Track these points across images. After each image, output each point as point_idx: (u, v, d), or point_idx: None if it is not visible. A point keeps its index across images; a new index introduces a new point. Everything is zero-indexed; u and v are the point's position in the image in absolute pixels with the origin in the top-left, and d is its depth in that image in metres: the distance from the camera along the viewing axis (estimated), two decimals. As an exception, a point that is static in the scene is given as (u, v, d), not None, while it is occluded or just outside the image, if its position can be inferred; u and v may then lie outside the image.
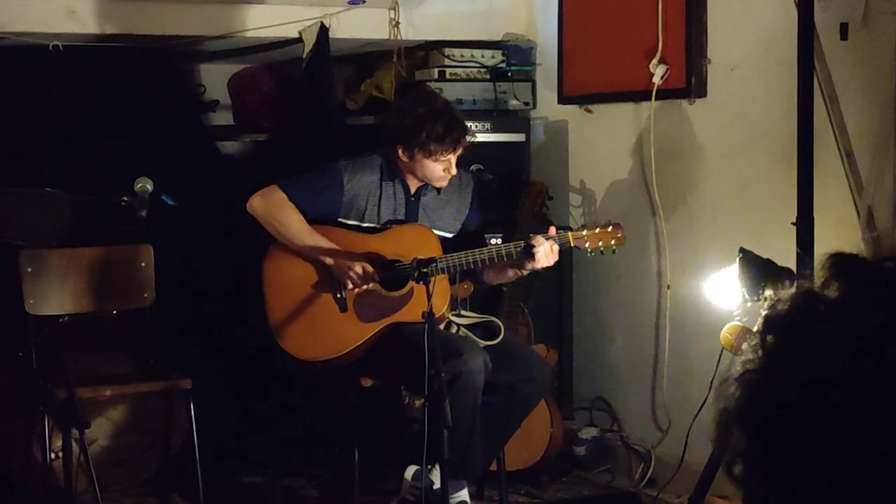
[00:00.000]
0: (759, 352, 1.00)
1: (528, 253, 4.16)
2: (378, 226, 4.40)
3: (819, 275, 0.99)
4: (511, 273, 4.35)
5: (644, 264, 5.07)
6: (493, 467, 4.53)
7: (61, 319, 4.76)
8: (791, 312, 0.99)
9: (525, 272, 4.29)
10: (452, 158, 4.33)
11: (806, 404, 0.96)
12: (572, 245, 4.29)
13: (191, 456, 4.50)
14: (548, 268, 4.26)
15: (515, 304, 4.98)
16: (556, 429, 5.00)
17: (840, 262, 0.99)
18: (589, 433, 5.24)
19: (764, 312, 1.00)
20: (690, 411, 4.53)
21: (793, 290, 0.99)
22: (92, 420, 4.50)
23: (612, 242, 4.31)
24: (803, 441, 0.96)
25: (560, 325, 5.37)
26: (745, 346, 1.02)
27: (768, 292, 3.59)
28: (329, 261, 4.29)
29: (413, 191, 4.43)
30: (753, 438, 0.99)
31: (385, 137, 4.41)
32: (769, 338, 0.99)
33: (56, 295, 4.73)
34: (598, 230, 4.31)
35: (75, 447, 4.45)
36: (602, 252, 4.31)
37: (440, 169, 4.33)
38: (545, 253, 4.16)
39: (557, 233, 4.25)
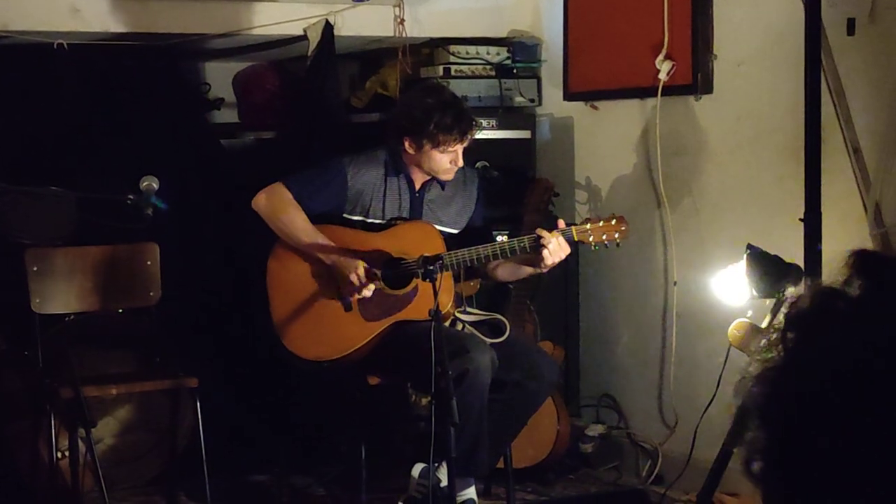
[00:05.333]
0: (780, 349, 0.99)
1: (537, 249, 4.14)
2: (382, 222, 4.39)
3: (841, 272, 0.98)
4: (528, 270, 4.33)
5: (651, 261, 5.06)
6: (501, 465, 4.52)
7: (67, 318, 4.76)
8: (812, 310, 0.99)
9: (542, 269, 4.26)
10: (459, 150, 4.32)
11: (825, 402, 0.95)
12: (576, 239, 4.24)
13: (197, 454, 4.50)
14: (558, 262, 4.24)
15: (521, 301, 4.97)
16: (563, 426, 4.99)
17: (863, 260, 0.98)
18: (596, 430, 5.24)
19: (784, 310, 0.99)
20: (698, 408, 4.52)
21: (814, 287, 0.99)
22: (98, 419, 4.49)
23: (616, 236, 4.26)
24: (822, 438, 0.95)
25: (566, 322, 5.37)
26: (763, 342, 1.01)
27: (789, 290, 3.58)
28: (331, 260, 4.28)
29: (418, 186, 4.42)
30: (772, 435, 0.98)
31: (392, 130, 4.40)
32: (790, 335, 0.98)
33: (62, 294, 4.72)
34: (601, 223, 4.27)
35: (82, 446, 4.45)
36: (606, 245, 4.27)
37: (447, 161, 4.32)
38: (556, 248, 4.13)
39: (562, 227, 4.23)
